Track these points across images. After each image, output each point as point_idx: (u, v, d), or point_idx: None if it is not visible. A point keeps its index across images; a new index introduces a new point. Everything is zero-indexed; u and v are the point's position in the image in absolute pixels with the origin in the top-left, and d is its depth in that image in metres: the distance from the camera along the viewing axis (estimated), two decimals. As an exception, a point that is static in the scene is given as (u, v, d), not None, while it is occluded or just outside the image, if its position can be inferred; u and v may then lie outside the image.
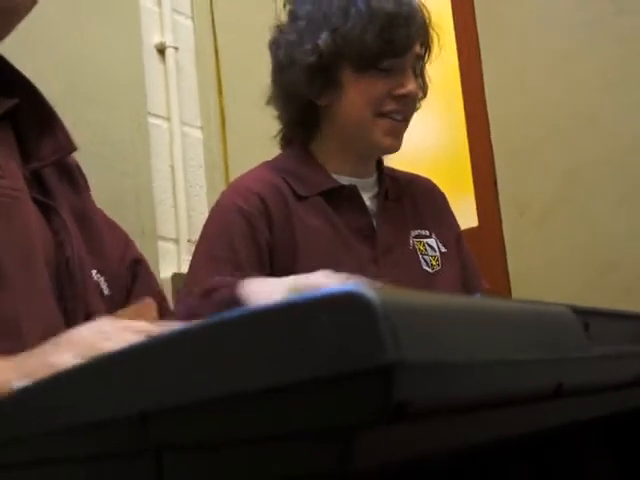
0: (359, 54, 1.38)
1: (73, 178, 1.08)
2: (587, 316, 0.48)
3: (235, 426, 0.36)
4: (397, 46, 1.38)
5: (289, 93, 1.47)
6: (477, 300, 0.38)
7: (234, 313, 0.36)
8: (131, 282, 1.11)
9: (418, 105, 1.52)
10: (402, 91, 1.41)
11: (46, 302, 0.92)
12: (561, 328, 0.44)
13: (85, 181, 1.13)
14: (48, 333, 0.89)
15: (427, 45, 1.48)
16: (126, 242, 1.16)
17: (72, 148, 1.05)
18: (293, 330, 0.33)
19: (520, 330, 0.39)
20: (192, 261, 1.42)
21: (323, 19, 1.40)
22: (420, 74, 1.50)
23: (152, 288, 1.14)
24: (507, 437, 0.46)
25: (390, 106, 1.42)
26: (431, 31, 1.48)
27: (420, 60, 1.47)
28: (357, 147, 1.47)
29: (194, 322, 0.37)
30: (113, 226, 1.16)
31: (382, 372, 0.31)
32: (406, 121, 1.45)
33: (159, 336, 0.39)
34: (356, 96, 1.42)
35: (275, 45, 1.48)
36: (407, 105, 1.44)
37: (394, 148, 1.47)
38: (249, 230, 1.37)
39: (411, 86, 1.42)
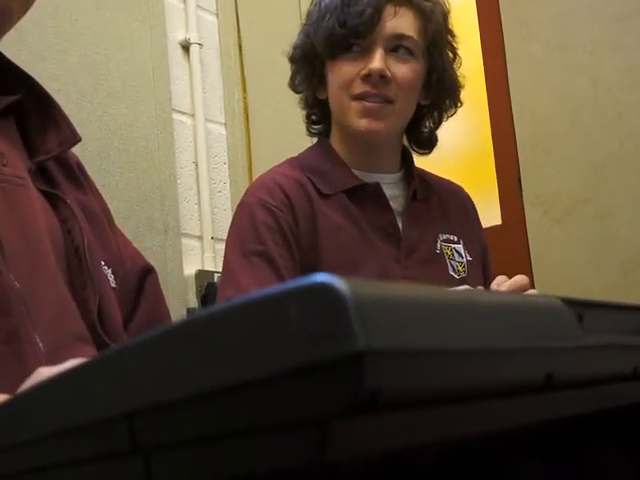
0: (322, 42, 1.41)
1: (75, 176, 1.08)
2: (581, 307, 0.47)
3: (211, 423, 0.37)
4: (352, 27, 1.36)
5: (295, 89, 1.53)
6: (456, 291, 0.38)
7: (207, 311, 0.36)
8: (140, 287, 1.12)
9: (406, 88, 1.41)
10: (364, 70, 1.37)
11: (53, 283, 0.92)
12: (550, 319, 0.43)
13: (88, 181, 1.13)
14: (57, 313, 0.90)
15: (416, 25, 1.40)
16: (137, 250, 1.18)
17: (76, 139, 1.05)
18: (264, 323, 0.33)
19: (503, 320, 0.39)
20: (225, 257, 1.42)
21: (307, 16, 1.47)
22: (425, 55, 1.43)
23: (160, 301, 1.15)
24: (498, 430, 0.46)
25: (359, 88, 1.38)
26: (420, 9, 1.40)
27: (400, 39, 1.39)
28: (350, 135, 1.45)
29: (169, 324, 0.38)
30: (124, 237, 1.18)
31: (353, 360, 0.31)
32: (386, 102, 1.39)
33: (137, 339, 0.40)
34: (332, 83, 1.44)
35: None
36: (377, 85, 1.37)
37: (372, 130, 1.40)
38: (274, 222, 1.37)
39: (374, 63, 1.36)
